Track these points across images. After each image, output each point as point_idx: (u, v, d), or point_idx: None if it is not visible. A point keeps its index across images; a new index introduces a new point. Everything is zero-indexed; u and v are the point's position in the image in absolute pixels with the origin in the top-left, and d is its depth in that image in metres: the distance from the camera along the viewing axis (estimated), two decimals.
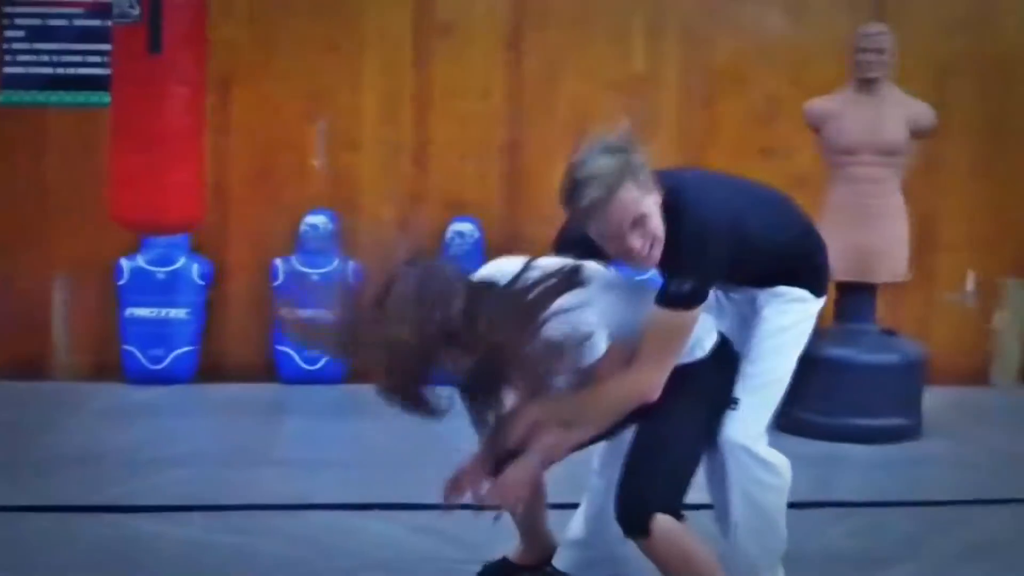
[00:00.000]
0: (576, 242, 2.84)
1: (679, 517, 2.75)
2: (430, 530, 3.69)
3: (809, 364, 3.77)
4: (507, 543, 3.30)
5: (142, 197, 4.44)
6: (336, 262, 6.00)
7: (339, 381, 5.91)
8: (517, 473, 2.79)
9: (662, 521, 2.71)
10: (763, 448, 3.02)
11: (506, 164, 6.30)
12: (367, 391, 2.66)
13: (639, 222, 2.72)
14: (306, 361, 5.98)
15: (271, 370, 6.04)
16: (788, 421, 5.11)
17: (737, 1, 6.45)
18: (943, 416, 5.50)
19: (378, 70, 6.21)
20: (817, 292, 3.08)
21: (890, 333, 5.42)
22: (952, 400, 5.98)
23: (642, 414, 2.81)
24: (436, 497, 2.91)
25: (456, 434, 2.93)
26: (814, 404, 5.01)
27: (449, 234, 6.14)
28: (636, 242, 2.73)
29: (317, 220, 6.03)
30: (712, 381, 2.93)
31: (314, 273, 5.98)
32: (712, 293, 2.92)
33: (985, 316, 6.56)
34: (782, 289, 3.03)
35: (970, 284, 6.52)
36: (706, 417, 2.92)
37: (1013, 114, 6.49)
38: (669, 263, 2.78)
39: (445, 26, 6.23)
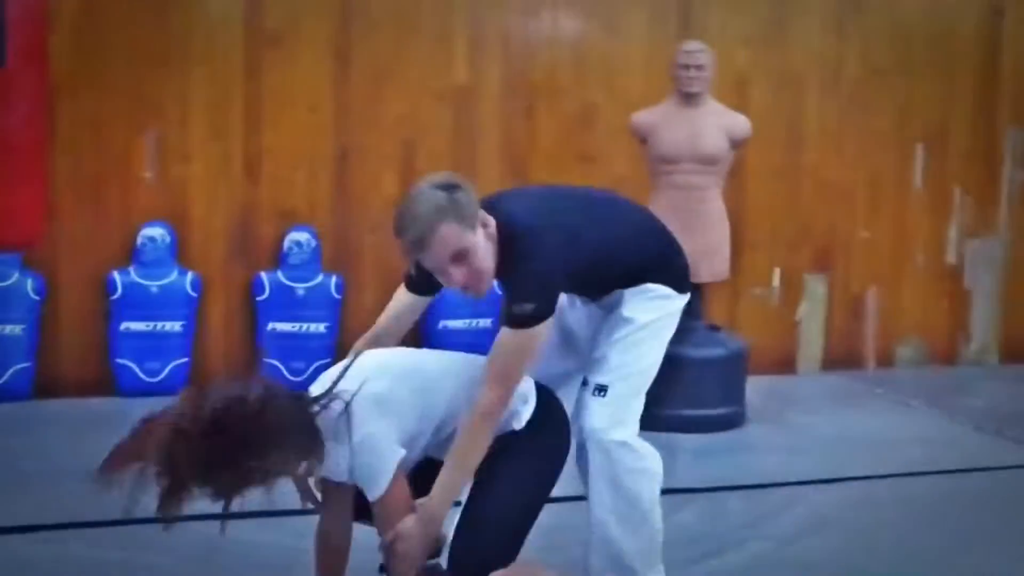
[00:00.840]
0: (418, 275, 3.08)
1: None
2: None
3: None
4: None
5: None
6: (175, 274, 6.02)
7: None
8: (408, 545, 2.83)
9: None
10: (631, 437, 3.12)
11: (336, 173, 6.42)
12: None
13: (460, 257, 2.84)
14: (146, 373, 5.98)
15: (109, 384, 6.01)
16: None
17: (553, 15, 6.74)
18: (761, 403, 5.94)
19: (207, 81, 6.24)
20: (679, 288, 3.23)
21: (715, 329, 5.82)
22: (765, 388, 6.44)
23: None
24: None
25: None
26: (647, 397, 5.32)
27: (287, 244, 6.22)
28: (458, 276, 2.87)
29: (155, 232, 6.03)
30: (532, 446, 2.96)
31: (153, 285, 5.98)
32: (563, 299, 3.10)
33: (789, 309, 7.06)
34: (644, 287, 3.16)
35: (775, 280, 7.00)
36: (532, 479, 2.95)
37: (805, 120, 7.02)
38: (509, 287, 2.92)
39: (275, 36, 6.30)
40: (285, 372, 6.15)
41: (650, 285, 3.18)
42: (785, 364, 7.04)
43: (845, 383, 6.75)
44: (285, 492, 2.82)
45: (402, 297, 3.25)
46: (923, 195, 7.26)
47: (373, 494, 2.82)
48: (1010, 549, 4.00)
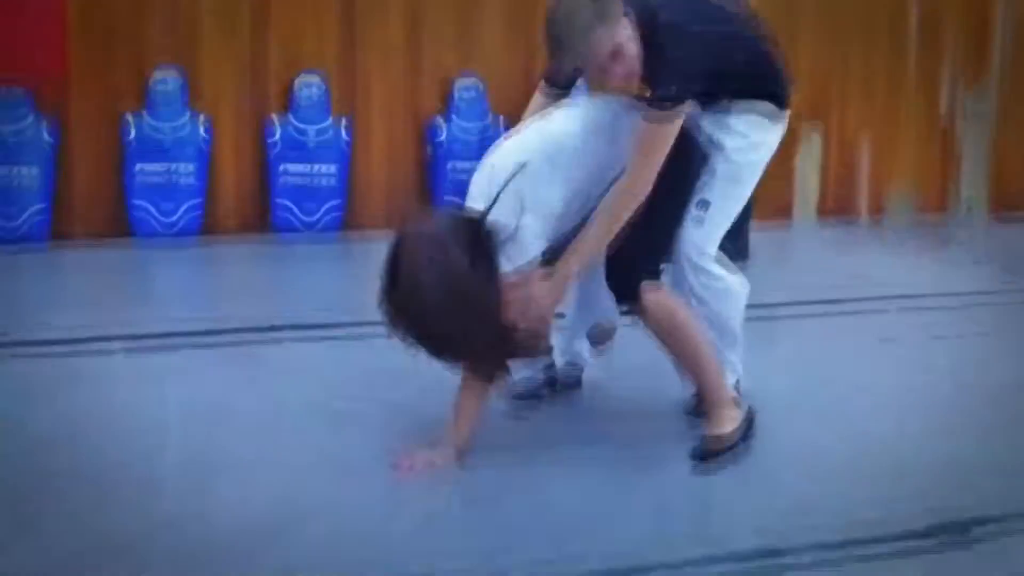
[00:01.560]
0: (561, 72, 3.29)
1: (658, 275, 3.11)
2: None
3: None
4: None
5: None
6: (187, 117, 6.10)
7: (195, 234, 6.12)
8: (549, 291, 3.02)
9: (649, 288, 3.08)
10: (709, 263, 3.27)
11: (344, 17, 6.44)
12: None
13: (616, 55, 2.97)
14: (161, 215, 6.09)
15: (124, 226, 6.11)
16: None
17: None
18: (760, 246, 6.12)
19: None
20: (782, 104, 3.30)
21: None
22: (764, 234, 6.61)
23: None
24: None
25: None
26: None
27: (297, 88, 6.29)
28: (616, 71, 3.00)
29: (167, 75, 6.08)
30: (681, 165, 3.11)
31: (165, 128, 6.06)
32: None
33: (787, 157, 7.21)
34: (753, 103, 3.23)
35: None
36: (678, 191, 3.14)
37: None
38: (652, 74, 3.02)
39: None
40: (297, 211, 6.27)
41: (758, 102, 3.25)
42: (783, 212, 7.20)
43: (840, 227, 6.94)
44: None
45: (540, 97, 3.44)
46: (916, 47, 7.38)
47: (510, 266, 2.99)
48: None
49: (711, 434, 3.17)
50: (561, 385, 3.64)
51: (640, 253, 3.09)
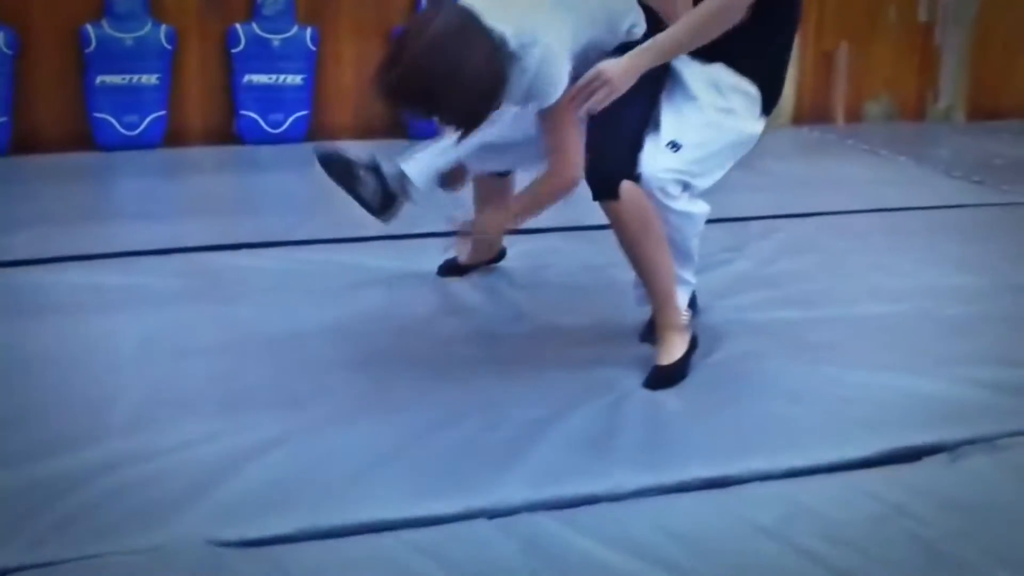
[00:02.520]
0: None
1: (636, 178, 3.04)
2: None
3: None
4: None
5: None
6: (149, 26, 5.96)
7: (158, 145, 6.02)
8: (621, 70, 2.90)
9: (628, 186, 3.01)
10: (675, 198, 3.10)
11: None
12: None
13: None
14: (124, 127, 5.98)
15: (87, 138, 6.01)
16: None
17: None
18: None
19: None
20: (767, 106, 3.19)
21: None
22: None
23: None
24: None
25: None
26: None
27: None
28: None
29: None
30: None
31: (127, 38, 5.93)
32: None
33: None
34: (740, 82, 3.08)
35: None
36: (649, 91, 3.05)
37: None
38: None
39: None
40: (263, 123, 6.17)
41: (750, 85, 3.12)
42: None
43: (816, 136, 6.85)
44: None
45: None
46: None
47: (547, 102, 2.99)
48: (995, 270, 4.17)
49: (662, 363, 3.14)
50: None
51: (619, 149, 3.02)
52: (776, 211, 4.94)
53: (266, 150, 6.09)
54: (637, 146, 3.04)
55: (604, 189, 3.03)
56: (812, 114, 7.21)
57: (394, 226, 3.53)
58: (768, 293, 3.86)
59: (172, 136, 6.13)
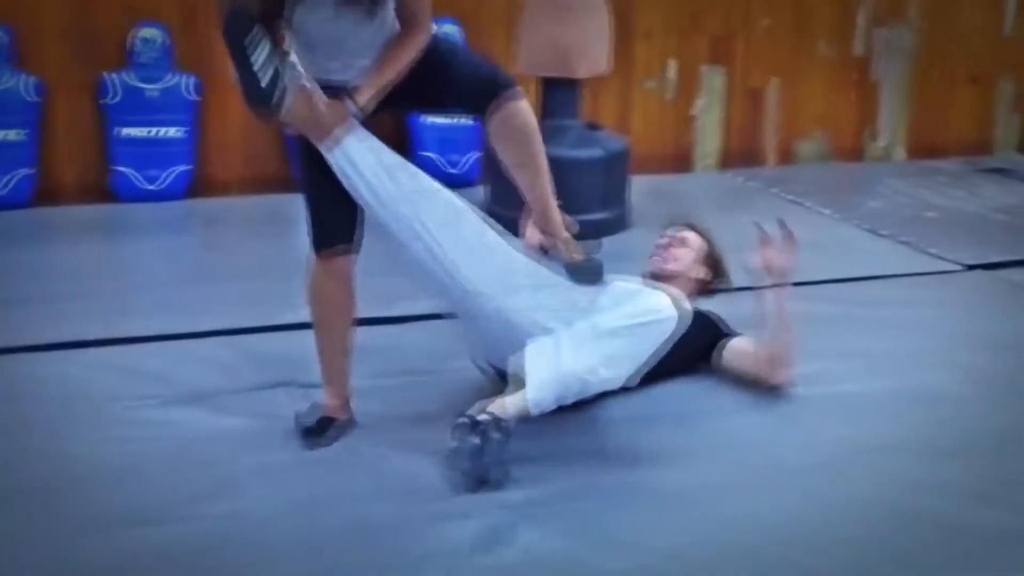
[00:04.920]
0: None
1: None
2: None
3: None
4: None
5: None
6: (9, 78, 5.50)
7: (25, 205, 5.59)
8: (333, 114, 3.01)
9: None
10: None
11: None
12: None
13: None
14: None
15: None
16: (500, 220, 5.14)
17: None
18: (648, 205, 5.60)
19: None
20: None
21: (593, 127, 5.42)
22: (657, 188, 6.10)
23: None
24: None
25: None
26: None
27: (133, 41, 5.69)
28: None
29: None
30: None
31: None
32: None
33: (685, 103, 6.66)
34: None
35: (671, 72, 6.57)
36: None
37: None
38: None
39: None
40: (138, 180, 5.72)
41: None
42: (681, 162, 6.67)
43: (740, 182, 6.39)
44: None
45: None
46: None
47: None
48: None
49: (574, 261, 3.30)
50: None
51: (494, 66, 3.17)
52: None
53: (141, 209, 5.64)
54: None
55: (504, 81, 3.11)
56: (741, 156, 6.78)
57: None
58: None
59: (42, 195, 5.66)
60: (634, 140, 6.50)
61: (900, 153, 7.10)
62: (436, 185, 3.21)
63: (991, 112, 7.25)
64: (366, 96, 3.03)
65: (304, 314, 3.30)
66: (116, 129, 5.70)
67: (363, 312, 3.27)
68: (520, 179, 3.28)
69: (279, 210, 5.23)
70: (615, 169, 5.30)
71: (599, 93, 6.43)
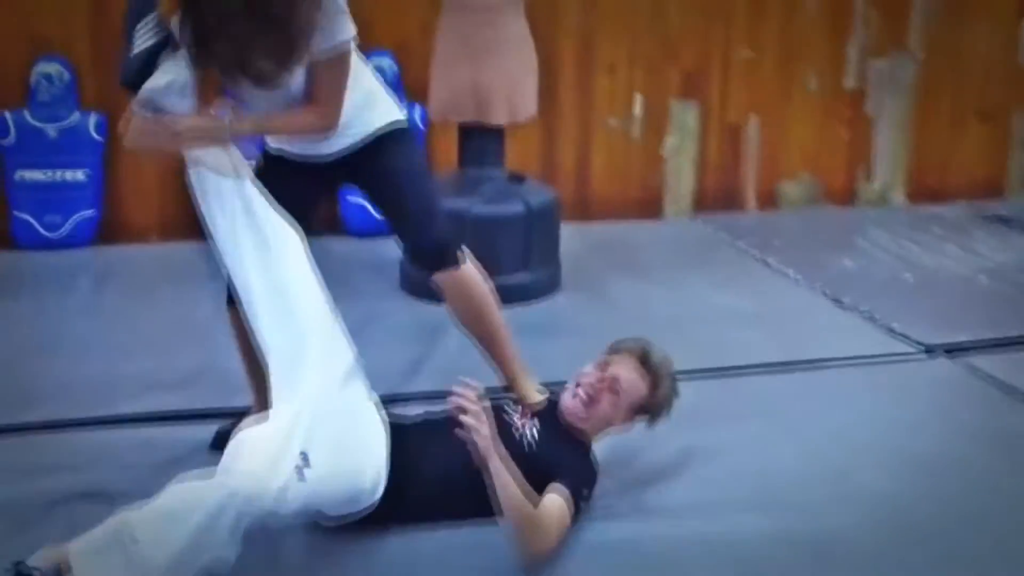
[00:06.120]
0: None
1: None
2: None
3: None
4: None
5: None
6: None
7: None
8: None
9: (465, 251, 3.16)
10: None
11: None
12: None
13: None
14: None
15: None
16: (404, 281, 4.64)
17: None
18: (587, 262, 5.06)
19: None
20: None
21: (518, 179, 4.85)
22: (608, 239, 5.56)
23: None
24: None
25: None
26: None
27: (34, 77, 5.24)
28: None
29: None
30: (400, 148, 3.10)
31: None
32: None
33: (654, 143, 6.06)
34: None
35: (637, 108, 5.98)
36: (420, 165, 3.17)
37: None
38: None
39: None
40: (39, 227, 5.27)
41: None
42: (650, 206, 6.07)
43: (709, 232, 5.77)
44: None
45: None
46: (817, 6, 6.13)
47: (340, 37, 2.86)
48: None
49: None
50: None
51: (442, 220, 3.14)
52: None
53: (39, 257, 5.19)
54: (446, 219, 3.20)
55: (449, 257, 3.12)
56: (718, 199, 6.15)
57: None
58: None
59: None
60: (595, 183, 6.00)
61: (898, 197, 6.43)
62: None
63: (1003, 151, 6.54)
64: (244, 125, 2.85)
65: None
66: (15, 172, 5.27)
67: None
68: (474, 341, 3.26)
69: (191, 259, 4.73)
70: (539, 225, 4.71)
71: (556, 134, 5.88)
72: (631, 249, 5.46)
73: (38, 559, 2.43)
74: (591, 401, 2.94)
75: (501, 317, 3.24)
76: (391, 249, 4.18)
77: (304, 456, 2.54)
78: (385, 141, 3.05)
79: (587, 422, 2.96)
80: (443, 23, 4.61)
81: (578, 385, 2.96)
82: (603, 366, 2.97)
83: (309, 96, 2.89)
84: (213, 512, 2.40)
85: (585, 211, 5.91)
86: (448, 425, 2.71)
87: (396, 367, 3.83)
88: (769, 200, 6.26)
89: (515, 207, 4.66)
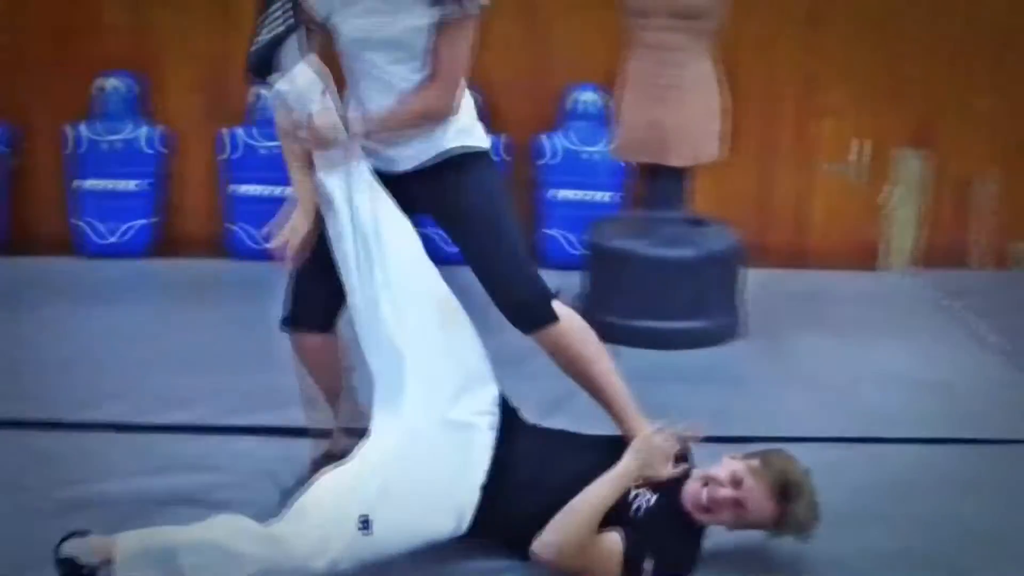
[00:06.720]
0: None
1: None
2: None
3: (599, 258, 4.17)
4: None
5: None
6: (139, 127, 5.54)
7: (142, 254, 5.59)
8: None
9: (557, 304, 2.99)
10: None
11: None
12: None
13: None
14: (103, 235, 5.56)
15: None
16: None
17: None
18: (777, 311, 4.87)
19: None
20: None
21: (698, 222, 4.74)
22: (814, 289, 5.33)
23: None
24: None
25: None
26: (605, 303, 4.48)
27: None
28: None
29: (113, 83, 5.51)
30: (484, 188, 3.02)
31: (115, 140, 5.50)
32: None
33: (873, 190, 5.78)
34: None
35: (854, 154, 5.72)
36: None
37: None
38: None
39: None
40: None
41: None
42: (863, 258, 5.78)
43: (916, 288, 5.45)
44: None
45: None
46: None
47: None
48: None
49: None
50: None
51: (531, 274, 3.01)
52: (748, 429, 3.61)
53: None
54: (534, 269, 3.05)
55: (538, 316, 2.98)
56: (941, 255, 5.79)
57: None
58: None
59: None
60: (813, 231, 5.79)
61: None
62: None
63: None
64: (370, 125, 2.88)
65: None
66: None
67: None
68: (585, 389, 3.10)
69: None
70: (714, 271, 4.60)
71: (775, 174, 5.72)
72: (832, 301, 5.23)
73: (84, 548, 2.55)
74: (712, 511, 2.79)
75: (609, 365, 3.05)
76: None
77: (365, 521, 2.60)
78: (460, 165, 2.97)
79: (705, 521, 2.84)
80: (629, 63, 4.56)
81: (705, 484, 2.79)
82: (735, 482, 2.77)
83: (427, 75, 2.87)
84: (261, 564, 2.52)
85: (801, 258, 5.74)
86: (579, 440, 2.97)
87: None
88: (997, 259, 5.84)
89: (685, 251, 4.57)
